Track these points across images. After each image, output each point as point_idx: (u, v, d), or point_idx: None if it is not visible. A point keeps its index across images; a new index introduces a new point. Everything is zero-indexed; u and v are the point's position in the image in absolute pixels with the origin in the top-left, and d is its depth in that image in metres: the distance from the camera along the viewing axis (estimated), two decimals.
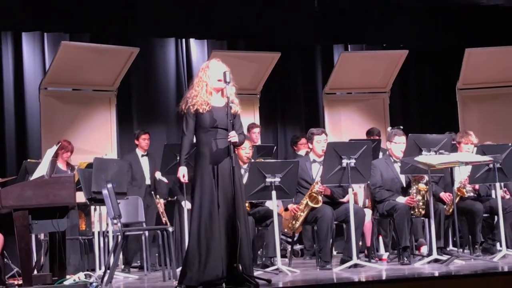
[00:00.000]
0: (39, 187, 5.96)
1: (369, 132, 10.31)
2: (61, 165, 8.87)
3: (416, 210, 7.63)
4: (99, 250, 8.06)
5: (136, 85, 11.42)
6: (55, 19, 10.39)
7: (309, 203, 7.49)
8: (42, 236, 8.17)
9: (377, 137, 9.95)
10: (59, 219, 5.99)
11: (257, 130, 10.09)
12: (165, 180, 9.27)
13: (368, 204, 8.65)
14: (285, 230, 8.17)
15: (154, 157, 9.39)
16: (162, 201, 9.20)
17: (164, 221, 8.92)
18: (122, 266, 8.85)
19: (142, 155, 9.47)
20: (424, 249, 8.22)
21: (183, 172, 5.93)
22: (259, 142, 10.12)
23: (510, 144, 7.77)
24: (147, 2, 10.77)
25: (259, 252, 8.06)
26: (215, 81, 5.93)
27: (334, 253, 8.76)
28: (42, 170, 6.16)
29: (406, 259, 7.44)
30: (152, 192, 9.20)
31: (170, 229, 7.59)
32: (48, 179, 6.04)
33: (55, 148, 6.47)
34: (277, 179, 7.12)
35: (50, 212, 5.98)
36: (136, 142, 9.55)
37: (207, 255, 5.70)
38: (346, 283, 6.04)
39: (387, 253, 8.41)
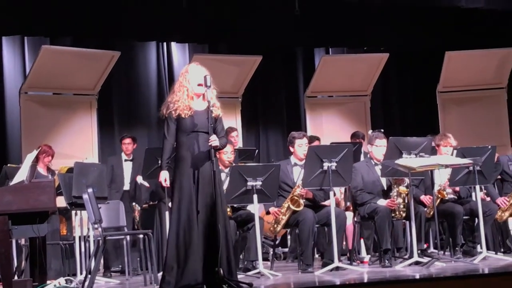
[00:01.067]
0: (19, 192, 5.92)
1: (353, 135, 10.34)
2: (41, 169, 8.82)
3: (397, 212, 7.66)
4: (80, 255, 8.02)
5: (117, 89, 11.39)
6: (36, 23, 10.34)
7: (291, 206, 7.50)
8: (22, 241, 8.12)
9: (362, 140, 9.98)
10: (39, 224, 5.96)
11: (234, 134, 10.06)
12: (146, 184, 9.25)
13: (348, 206, 8.67)
14: (267, 233, 8.17)
15: (137, 163, 9.36)
16: (137, 207, 9.22)
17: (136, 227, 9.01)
18: (103, 271, 8.82)
19: (126, 160, 9.45)
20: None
21: (164, 176, 5.93)
22: (239, 145, 10.10)
23: (489, 147, 7.81)
24: (128, 6, 10.74)
25: (241, 256, 8.06)
26: (195, 85, 5.93)
27: (316, 256, 8.78)
28: (22, 175, 6.13)
29: (387, 262, 7.46)
30: (137, 205, 9.20)
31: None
32: (28, 184, 6.00)
33: (35, 153, 6.44)
34: (259, 183, 7.12)
35: (30, 217, 5.94)
36: (121, 147, 9.57)
37: (186, 259, 5.69)
38: (328, 286, 6.06)
39: (369, 256, 8.43)
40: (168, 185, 6.01)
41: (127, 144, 9.46)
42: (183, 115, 5.87)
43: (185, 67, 6.12)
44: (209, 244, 5.72)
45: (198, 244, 5.71)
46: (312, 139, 9.45)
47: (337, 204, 8.63)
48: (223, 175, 7.49)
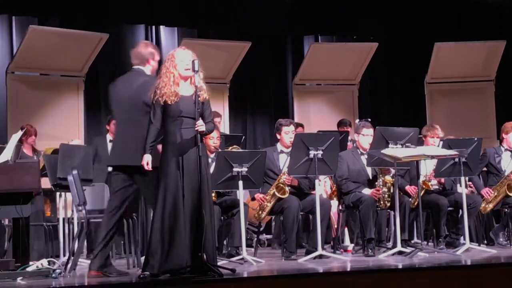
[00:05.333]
0: (3, 173, 5.91)
1: (340, 123, 10.33)
2: (26, 150, 8.78)
3: (382, 202, 7.68)
4: (64, 236, 8.00)
5: (105, 71, 11.31)
6: (24, 2, 10.27)
7: (276, 193, 7.50)
8: (6, 222, 8.08)
9: (349, 128, 9.97)
10: (23, 205, 5.94)
11: (217, 119, 9.97)
12: None
13: (327, 196, 8.68)
14: (252, 220, 8.17)
15: None
16: None
17: None
18: (87, 253, 8.79)
19: (110, 140, 9.36)
20: None
21: (147, 160, 5.86)
22: (226, 131, 10.04)
23: (475, 139, 7.84)
24: None
25: (224, 242, 8.07)
26: (183, 70, 5.89)
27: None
28: (6, 155, 6.10)
29: (370, 251, 7.48)
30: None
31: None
32: (12, 165, 5.99)
33: (20, 133, 6.42)
34: (244, 169, 7.11)
35: (14, 197, 5.92)
36: (107, 127, 9.42)
37: (170, 243, 5.68)
38: (311, 273, 6.07)
39: (352, 245, 8.45)
40: (150, 169, 5.96)
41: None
42: (169, 102, 5.83)
43: (171, 52, 6.06)
44: (193, 229, 5.71)
45: (184, 229, 5.70)
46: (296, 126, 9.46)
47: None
48: (208, 160, 7.48)
